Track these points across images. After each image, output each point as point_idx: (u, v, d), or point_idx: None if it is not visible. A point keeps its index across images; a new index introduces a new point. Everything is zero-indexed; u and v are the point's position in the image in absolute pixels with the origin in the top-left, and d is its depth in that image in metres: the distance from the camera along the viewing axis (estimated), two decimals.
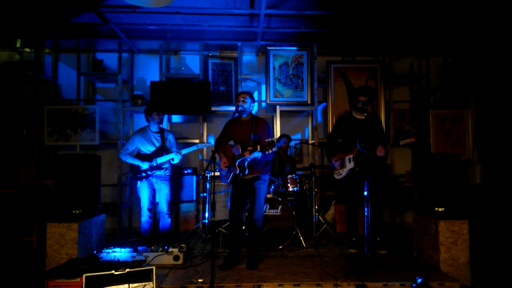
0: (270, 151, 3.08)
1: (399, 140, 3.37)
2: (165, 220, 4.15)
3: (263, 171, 3.42)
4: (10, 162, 4.87)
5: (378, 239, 3.73)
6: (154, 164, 4.03)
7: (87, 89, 5.47)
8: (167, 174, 4.15)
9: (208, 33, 4.91)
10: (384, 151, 3.39)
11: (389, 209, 5.25)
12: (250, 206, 3.39)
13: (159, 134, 4.15)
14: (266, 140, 3.06)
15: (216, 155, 3.10)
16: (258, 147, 3.11)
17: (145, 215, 4.11)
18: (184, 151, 4.11)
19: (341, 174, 3.77)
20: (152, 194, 4.14)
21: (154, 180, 4.09)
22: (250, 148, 3.21)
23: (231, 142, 3.52)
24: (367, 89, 3.76)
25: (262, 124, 3.40)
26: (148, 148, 4.10)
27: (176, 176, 4.87)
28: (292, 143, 5.56)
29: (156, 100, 4.87)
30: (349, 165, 3.69)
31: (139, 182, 4.06)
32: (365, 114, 3.49)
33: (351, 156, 3.67)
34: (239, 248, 3.46)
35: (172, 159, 4.09)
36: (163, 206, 4.12)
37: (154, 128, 4.14)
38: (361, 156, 3.49)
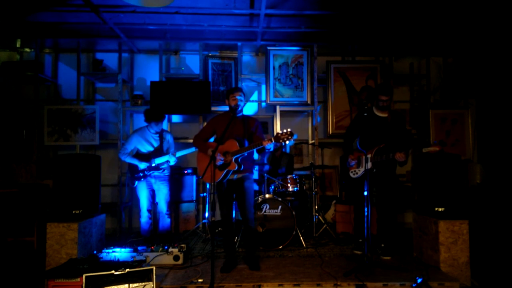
0: (287, 142, 2.91)
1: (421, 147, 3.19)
2: (165, 221, 4.14)
3: (250, 170, 3.37)
4: (10, 162, 4.87)
5: (383, 245, 3.60)
6: (153, 165, 4.03)
7: (87, 89, 5.47)
8: (166, 174, 4.14)
9: (208, 33, 4.91)
10: (404, 157, 3.24)
11: None
12: (242, 208, 3.29)
13: (157, 135, 4.15)
14: (284, 131, 2.91)
15: (209, 151, 3.09)
16: (273, 138, 2.96)
17: (144, 216, 4.11)
18: (179, 154, 4.07)
19: (357, 173, 3.59)
20: (151, 195, 4.13)
21: (153, 180, 4.09)
22: (265, 141, 3.00)
23: (211, 139, 3.44)
24: (388, 87, 3.53)
25: (254, 122, 3.38)
26: (146, 148, 4.10)
27: (176, 176, 4.87)
28: (288, 143, 5.54)
29: (156, 100, 4.86)
30: (366, 165, 3.47)
31: (136, 182, 4.06)
32: (387, 112, 3.38)
33: (369, 156, 3.47)
34: (235, 249, 3.45)
35: (168, 161, 4.09)
36: (162, 206, 4.11)
37: (153, 129, 4.14)
38: (379, 158, 3.33)
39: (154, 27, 4.63)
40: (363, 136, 3.49)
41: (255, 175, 4.52)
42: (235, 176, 3.26)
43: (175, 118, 5.56)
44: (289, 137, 2.90)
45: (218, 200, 3.37)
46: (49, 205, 4.23)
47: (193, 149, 4.06)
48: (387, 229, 3.61)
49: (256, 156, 3.32)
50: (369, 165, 3.46)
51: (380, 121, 3.55)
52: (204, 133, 3.45)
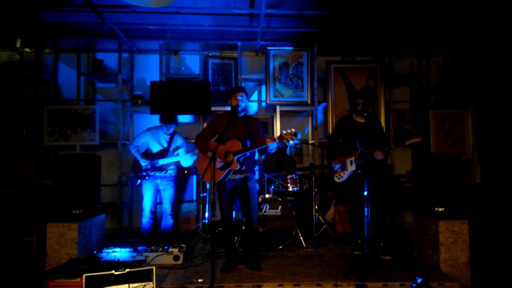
0: (291, 141, 2.92)
1: (401, 140, 3.32)
2: (168, 221, 4.13)
3: (252, 170, 3.37)
4: (10, 162, 4.87)
5: (382, 244, 3.63)
6: (156, 165, 4.02)
7: (87, 89, 5.47)
8: (172, 175, 4.13)
9: (208, 33, 4.91)
10: (382, 155, 3.38)
11: (389, 209, 5.24)
12: (246, 208, 3.29)
13: (169, 136, 4.14)
14: (288, 131, 2.92)
15: (209, 153, 3.11)
16: (277, 138, 2.97)
17: (146, 216, 4.10)
18: (190, 160, 4.06)
19: (342, 177, 3.69)
20: (156, 196, 4.13)
21: (159, 181, 4.07)
22: (268, 140, 3.03)
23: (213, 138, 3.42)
24: (367, 90, 3.73)
25: (256, 122, 3.39)
26: (156, 148, 4.11)
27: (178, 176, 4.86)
28: (291, 143, 5.55)
29: (156, 100, 4.86)
30: (351, 168, 3.61)
31: (139, 180, 4.06)
32: (365, 117, 3.49)
33: (352, 158, 3.60)
34: (236, 249, 3.45)
35: (173, 163, 4.08)
36: (166, 206, 4.11)
37: (164, 129, 4.13)
38: (363, 158, 3.45)
39: (154, 27, 4.63)
40: (361, 138, 3.52)
41: (256, 175, 4.53)
42: (238, 176, 3.26)
43: None
44: (293, 137, 2.92)
45: (219, 200, 3.36)
46: (49, 205, 4.23)
47: (195, 157, 4.05)
48: (379, 226, 3.65)
49: (257, 156, 3.33)
50: (354, 166, 3.58)
51: (361, 126, 3.64)
52: (206, 132, 3.44)
